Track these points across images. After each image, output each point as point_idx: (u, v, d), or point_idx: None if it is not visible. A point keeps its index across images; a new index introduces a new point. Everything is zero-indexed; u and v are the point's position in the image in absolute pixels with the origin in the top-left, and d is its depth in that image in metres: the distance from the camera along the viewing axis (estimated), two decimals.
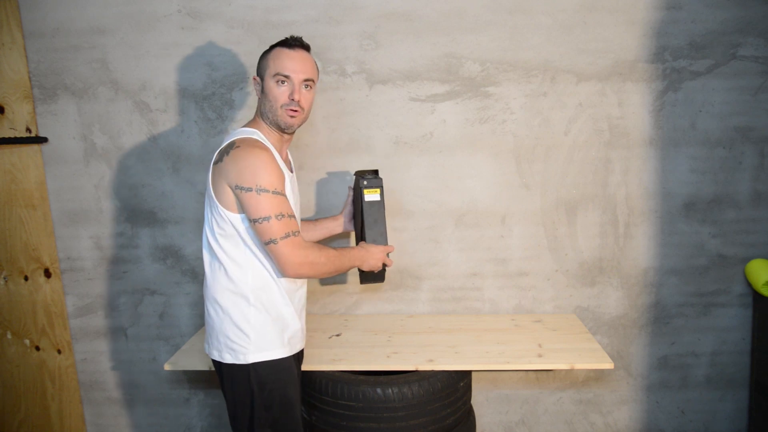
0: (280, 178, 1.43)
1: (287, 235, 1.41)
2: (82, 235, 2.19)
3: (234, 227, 1.46)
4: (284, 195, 1.44)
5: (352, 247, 1.65)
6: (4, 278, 2.22)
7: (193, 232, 2.17)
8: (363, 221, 1.74)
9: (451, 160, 2.08)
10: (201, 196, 2.14)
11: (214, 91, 2.07)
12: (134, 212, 2.17)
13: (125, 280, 2.22)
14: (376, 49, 2.02)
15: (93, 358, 2.28)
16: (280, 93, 1.49)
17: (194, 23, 2.03)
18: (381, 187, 1.75)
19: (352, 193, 1.90)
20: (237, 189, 1.40)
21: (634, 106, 2.03)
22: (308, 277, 1.52)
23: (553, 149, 2.07)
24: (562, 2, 1.98)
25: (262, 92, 1.53)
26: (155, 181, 2.14)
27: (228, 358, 1.50)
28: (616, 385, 2.21)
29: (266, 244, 1.42)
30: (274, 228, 1.40)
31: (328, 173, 2.11)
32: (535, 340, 1.89)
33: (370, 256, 1.66)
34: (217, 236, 1.48)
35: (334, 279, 2.18)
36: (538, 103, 2.04)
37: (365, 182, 1.75)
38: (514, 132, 2.06)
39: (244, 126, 1.55)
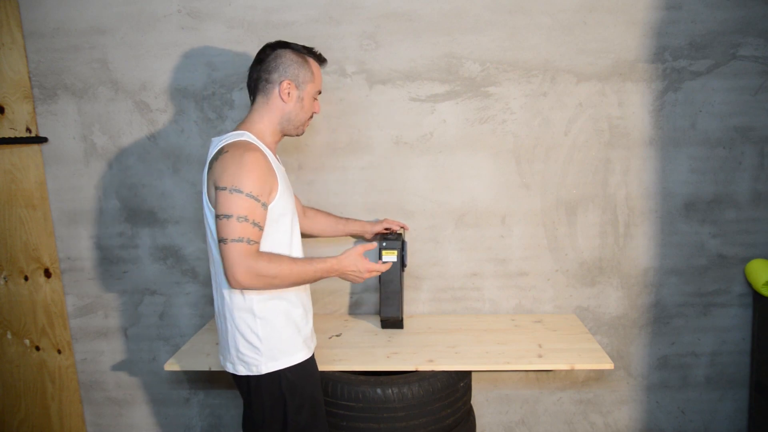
0: (265, 184, 1.37)
1: (240, 240, 1.32)
2: (82, 235, 2.19)
3: None
4: (262, 204, 1.37)
5: (327, 259, 1.47)
6: (4, 278, 2.22)
7: (193, 232, 2.17)
8: (380, 278, 1.92)
9: (451, 160, 2.08)
10: (201, 195, 2.14)
11: (214, 91, 2.07)
12: (134, 212, 2.17)
13: (125, 280, 2.22)
14: (376, 49, 2.02)
15: (93, 358, 2.28)
16: (315, 107, 1.61)
17: (194, 23, 2.03)
18: (398, 249, 1.91)
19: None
20: (216, 189, 1.37)
21: (634, 106, 2.03)
22: (258, 289, 1.41)
23: (553, 149, 2.07)
24: (562, 2, 1.98)
25: (296, 100, 1.52)
26: (155, 181, 2.14)
27: (242, 371, 1.47)
28: (616, 385, 2.21)
29: (219, 242, 1.35)
30: (230, 228, 1.32)
31: (328, 174, 2.11)
32: (535, 341, 1.89)
33: (343, 268, 1.50)
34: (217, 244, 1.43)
35: (334, 280, 2.18)
36: (538, 103, 2.04)
37: (384, 243, 1.92)
38: (514, 132, 2.06)
39: (235, 129, 1.50)
